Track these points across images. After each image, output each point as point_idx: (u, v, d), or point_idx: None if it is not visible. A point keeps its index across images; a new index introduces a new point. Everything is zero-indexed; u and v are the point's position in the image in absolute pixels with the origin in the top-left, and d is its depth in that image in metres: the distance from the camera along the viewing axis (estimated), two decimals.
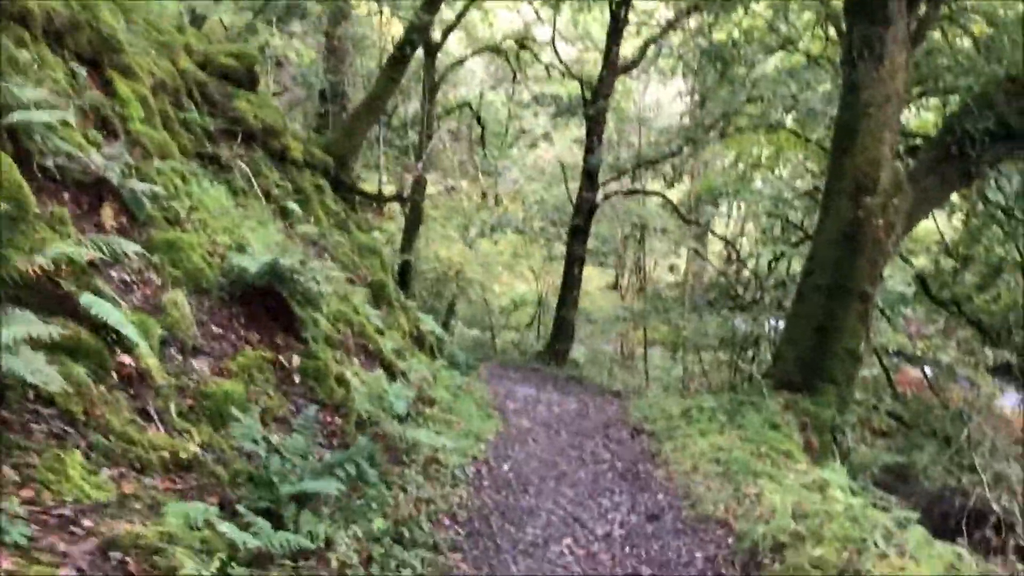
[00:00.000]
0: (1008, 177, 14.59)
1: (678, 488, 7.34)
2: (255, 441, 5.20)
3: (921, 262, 19.14)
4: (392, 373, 9.13)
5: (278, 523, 4.87)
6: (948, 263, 19.23)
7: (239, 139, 10.48)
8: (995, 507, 14.67)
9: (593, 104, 17.15)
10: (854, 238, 9.94)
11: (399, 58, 13.31)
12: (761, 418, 9.01)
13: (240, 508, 4.57)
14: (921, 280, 17.85)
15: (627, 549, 5.99)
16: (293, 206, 11.05)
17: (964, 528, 15.42)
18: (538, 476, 7.77)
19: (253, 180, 10.24)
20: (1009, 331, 20.15)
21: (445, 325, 24.83)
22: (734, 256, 16.86)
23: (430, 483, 6.83)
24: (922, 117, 18.84)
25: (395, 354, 9.79)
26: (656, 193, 18.13)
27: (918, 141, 15.04)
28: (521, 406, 11.69)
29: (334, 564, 4.51)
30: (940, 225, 18.23)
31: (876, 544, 4.77)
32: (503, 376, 16.03)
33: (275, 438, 5.80)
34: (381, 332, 10.08)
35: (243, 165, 10.23)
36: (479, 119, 24.31)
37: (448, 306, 25.68)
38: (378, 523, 5.15)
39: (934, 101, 17.80)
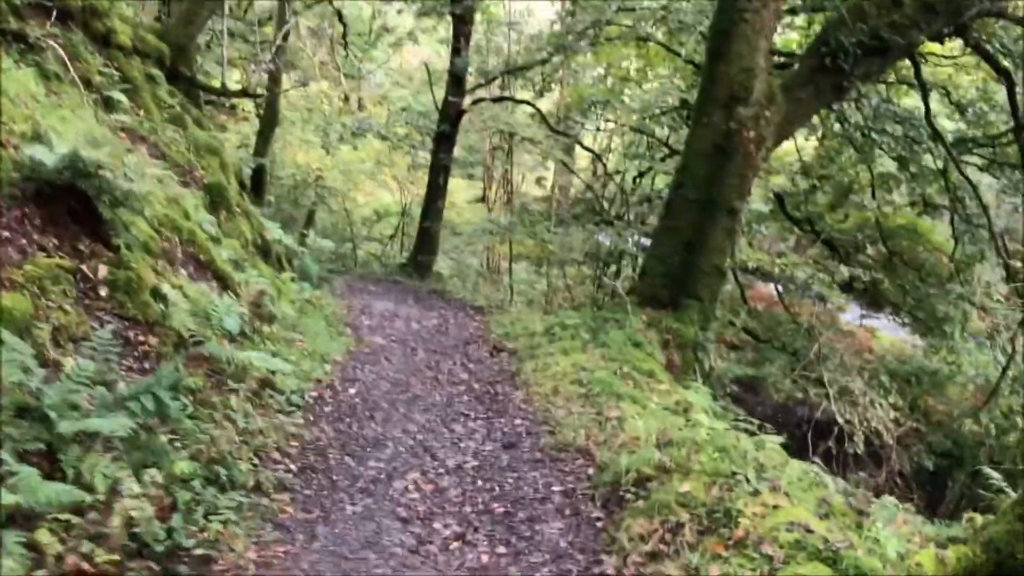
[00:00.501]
0: (867, 98, 14.54)
1: (537, 412, 6.78)
2: (26, 369, 4.22)
3: (779, 180, 19.24)
4: (226, 286, 8.13)
5: (54, 469, 3.97)
6: (802, 183, 19.41)
7: (53, 17, 8.95)
8: (839, 419, 15.03)
9: (460, 2, 15.99)
10: (725, 150, 9.48)
11: None
12: (624, 335, 8.55)
13: (3, 453, 3.65)
14: (779, 198, 17.90)
15: (479, 483, 5.37)
16: (118, 96, 9.65)
17: (809, 439, 15.84)
18: (387, 400, 7.05)
19: (69, 64, 8.79)
20: (857, 248, 20.68)
21: (303, 235, 23.58)
22: (601, 170, 16.32)
23: (260, 412, 6.00)
24: (787, 36, 18.58)
25: (232, 265, 8.76)
26: (525, 102, 17.29)
27: (782, 60, 14.76)
28: (377, 322, 10.89)
29: (117, 518, 3.64)
30: (797, 145, 18.26)
31: (748, 479, 4.29)
32: (362, 290, 15.13)
33: (69, 363, 4.82)
34: (217, 240, 8.99)
35: (56, 46, 8.75)
36: (340, 16, 22.59)
37: (307, 215, 24.34)
38: (182, 464, 4.29)
39: (799, 20, 17.58)
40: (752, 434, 7.02)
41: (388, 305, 12.59)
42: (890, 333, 23.76)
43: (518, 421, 6.61)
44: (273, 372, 6.54)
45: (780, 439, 6.27)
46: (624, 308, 9.18)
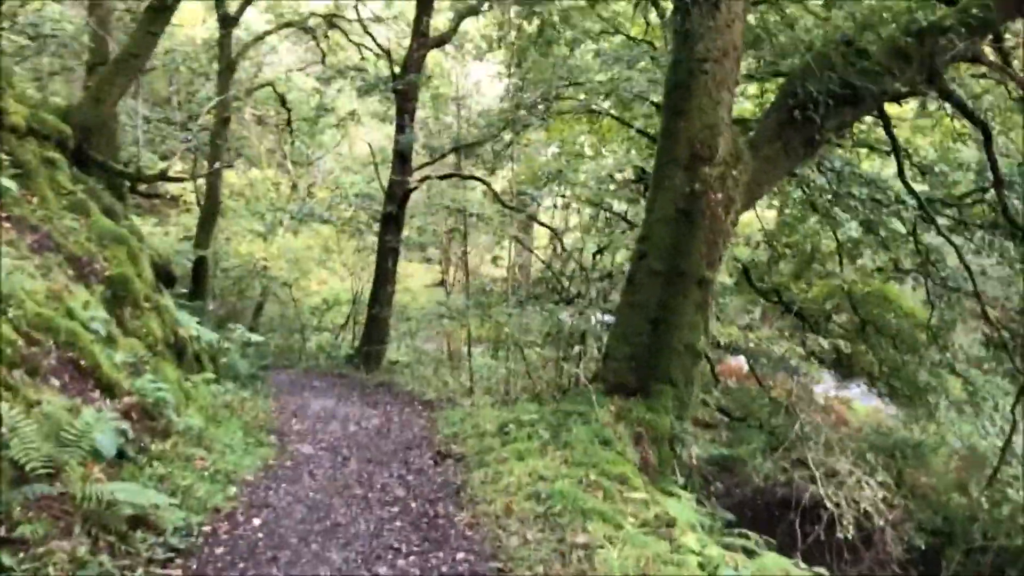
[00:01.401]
0: (830, 160, 13.69)
1: (486, 541, 5.33)
2: None
3: (741, 251, 18.25)
4: (113, 396, 6.67)
5: None
6: (763, 253, 18.50)
7: None
8: (828, 503, 13.57)
9: (402, 78, 15.00)
10: (690, 215, 8.32)
11: (158, 7, 10.66)
12: (590, 432, 7.18)
13: None
14: (744, 270, 16.92)
15: None
16: (5, 182, 8.32)
17: (797, 525, 14.32)
18: (299, 533, 5.56)
19: None
20: (827, 318, 19.56)
21: (252, 330, 22.03)
22: (559, 247, 15.18)
23: (122, 564, 4.51)
24: (740, 105, 17.82)
25: (127, 370, 7.31)
26: (475, 178, 16.19)
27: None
28: (309, 425, 9.41)
29: None
30: (757, 213, 17.38)
31: None
32: (304, 386, 13.63)
33: None
34: (110, 341, 7.56)
35: None
36: (284, 101, 21.58)
37: (256, 307, 22.84)
38: None
39: (752, 88, 16.93)
40: (750, 552, 5.64)
41: (327, 404, 11.11)
42: (864, 403, 22.66)
43: (461, 555, 5.15)
44: (148, 507, 5.06)
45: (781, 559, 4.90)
46: (588, 398, 7.83)
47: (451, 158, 17.95)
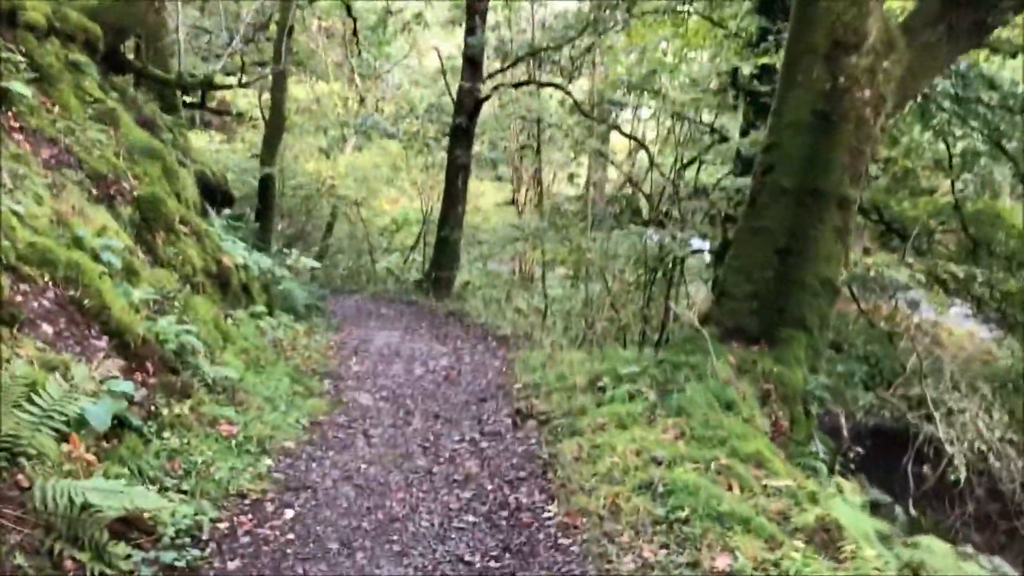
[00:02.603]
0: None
1: (588, 558, 3.80)
2: None
3: None
4: (124, 342, 5.30)
5: None
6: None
7: None
8: (947, 446, 11.75)
9: None
10: (829, 117, 6.43)
11: None
12: (707, 391, 5.55)
13: None
14: None
15: None
16: (19, 87, 6.91)
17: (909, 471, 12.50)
18: (342, 534, 4.12)
19: None
20: (931, 236, 17.30)
21: (321, 252, 20.78)
22: (646, 161, 13.27)
23: None
24: None
25: (146, 309, 5.93)
26: (552, 84, 14.25)
27: None
28: (370, 366, 8.00)
29: None
30: None
31: None
32: (370, 313, 12.28)
33: None
34: (130, 274, 6.18)
35: None
36: (349, 10, 19.76)
37: (326, 228, 21.54)
38: None
39: None
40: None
41: (392, 337, 9.70)
42: (957, 325, 20.48)
43: None
44: (131, 509, 3.67)
45: None
46: (700, 346, 6.18)
47: (524, 66, 16.04)
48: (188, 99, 24.65)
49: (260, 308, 8.30)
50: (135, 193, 7.38)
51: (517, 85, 13.76)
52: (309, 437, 5.56)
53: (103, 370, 4.54)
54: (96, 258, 5.76)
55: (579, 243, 11.23)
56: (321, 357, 7.86)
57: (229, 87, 10.97)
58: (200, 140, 20.74)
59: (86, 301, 5.26)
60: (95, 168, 7.18)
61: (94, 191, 7.04)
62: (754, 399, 5.79)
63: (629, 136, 14.03)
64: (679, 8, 15.98)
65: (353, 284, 16.49)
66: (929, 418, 11.81)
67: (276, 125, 17.65)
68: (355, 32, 20.78)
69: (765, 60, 13.61)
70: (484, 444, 5.53)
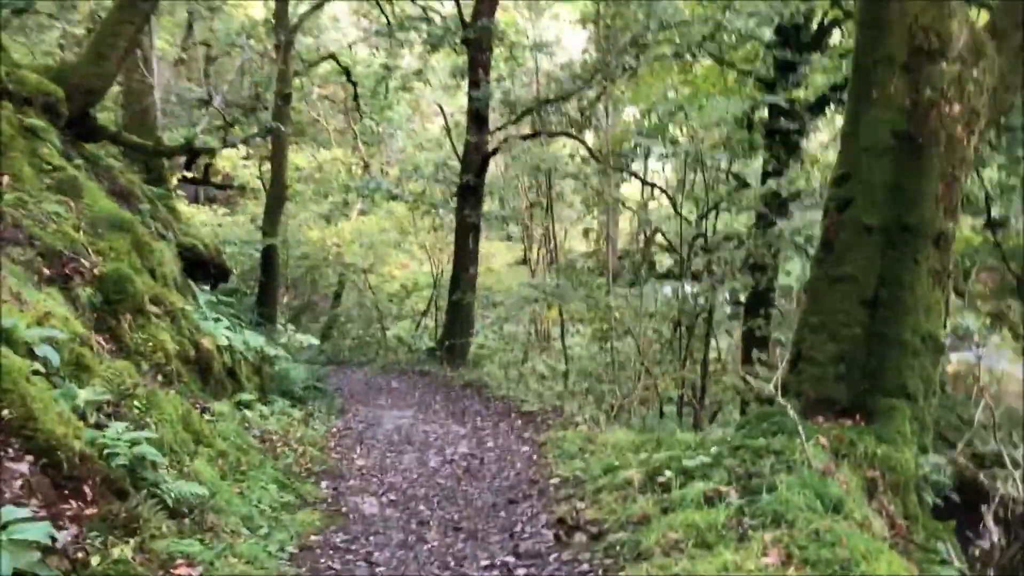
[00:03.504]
0: None
1: None
2: None
3: None
4: (54, 461, 4.00)
5: None
6: None
7: None
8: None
9: (472, 25, 12.10)
10: (914, 139, 5.20)
11: None
12: (803, 486, 4.19)
13: None
14: None
15: None
16: None
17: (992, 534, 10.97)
18: None
19: None
20: (967, 275, 15.98)
21: (331, 322, 19.57)
22: (671, 209, 12.04)
23: None
24: None
25: (96, 413, 4.65)
26: (565, 134, 13.17)
27: None
28: (376, 459, 6.66)
29: None
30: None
31: None
32: (380, 388, 10.98)
33: None
34: (83, 369, 4.92)
35: None
36: (348, 74, 18.90)
37: (334, 297, 20.37)
38: None
39: None
40: None
41: (403, 418, 8.38)
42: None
43: None
44: None
45: None
46: (780, 423, 4.85)
47: (530, 120, 15.01)
48: (189, 174, 23.72)
49: (248, 396, 7.02)
50: (97, 271, 6.16)
51: (526, 137, 12.66)
52: (295, 572, 4.22)
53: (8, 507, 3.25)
54: (30, 354, 4.51)
55: (606, 301, 9.95)
56: (319, 451, 6.53)
57: (211, 151, 9.85)
58: (203, 214, 19.79)
59: (5, 411, 3.99)
60: (49, 244, 5.98)
61: (46, 271, 5.83)
62: (860, 492, 4.43)
63: (650, 184, 12.88)
64: (687, 54, 15.04)
65: (362, 355, 15.23)
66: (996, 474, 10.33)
67: (277, 195, 16.67)
68: (356, 97, 19.93)
69: (788, 96, 12.55)
70: (521, 572, 4.17)
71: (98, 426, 4.54)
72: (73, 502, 3.87)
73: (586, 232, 17.91)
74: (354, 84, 19.39)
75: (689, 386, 8.59)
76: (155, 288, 6.90)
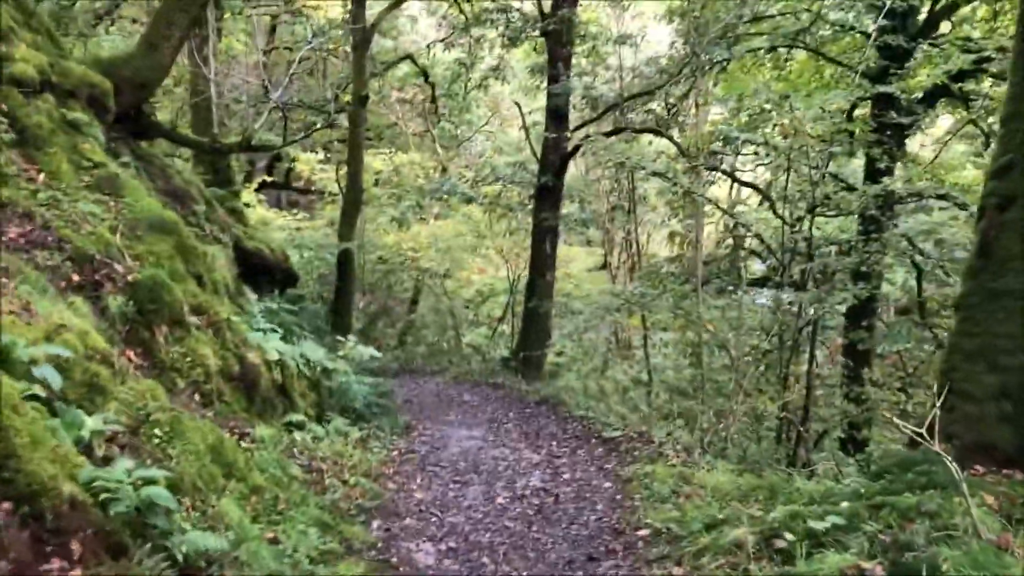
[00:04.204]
0: None
1: None
2: None
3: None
4: (35, 509, 3.28)
5: None
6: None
7: None
8: None
9: (552, 16, 11.21)
10: None
11: None
12: (972, 563, 3.15)
13: None
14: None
15: None
16: None
17: None
18: None
19: None
20: None
21: (406, 330, 18.98)
22: (770, 210, 10.86)
23: None
24: None
25: (106, 444, 3.96)
26: (652, 130, 12.13)
27: None
28: (438, 492, 5.83)
29: None
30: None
31: None
32: (450, 401, 10.20)
33: None
34: (98, 391, 4.25)
35: None
36: (426, 76, 18.29)
37: (411, 302, 19.77)
38: None
39: None
40: None
41: (472, 439, 7.55)
42: None
43: None
44: None
45: None
46: (933, 476, 3.79)
47: (612, 119, 14.02)
48: (270, 179, 23.52)
49: (299, 416, 6.28)
50: (131, 277, 5.52)
51: (610, 133, 11.66)
52: None
53: None
54: (30, 375, 3.83)
55: (696, 312, 8.89)
56: (373, 482, 5.73)
57: (271, 148, 9.25)
58: (280, 219, 19.47)
59: None
60: (80, 248, 5.37)
61: (75, 277, 5.23)
62: None
63: (746, 184, 11.71)
64: (783, 45, 13.82)
65: (436, 364, 14.50)
66: None
67: (354, 198, 16.13)
68: (434, 99, 19.32)
69: (899, 87, 11.20)
70: None
71: (106, 460, 3.83)
72: (56, 561, 3.14)
73: (672, 236, 16.77)
74: (432, 85, 18.80)
75: (792, 409, 7.48)
76: (200, 296, 6.24)
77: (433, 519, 5.17)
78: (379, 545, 4.68)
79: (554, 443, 7.42)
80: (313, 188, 22.06)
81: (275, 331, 7.22)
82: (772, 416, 7.77)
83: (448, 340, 16.82)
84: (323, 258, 16.93)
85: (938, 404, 4.18)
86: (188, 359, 5.50)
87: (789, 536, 3.70)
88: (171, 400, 5.10)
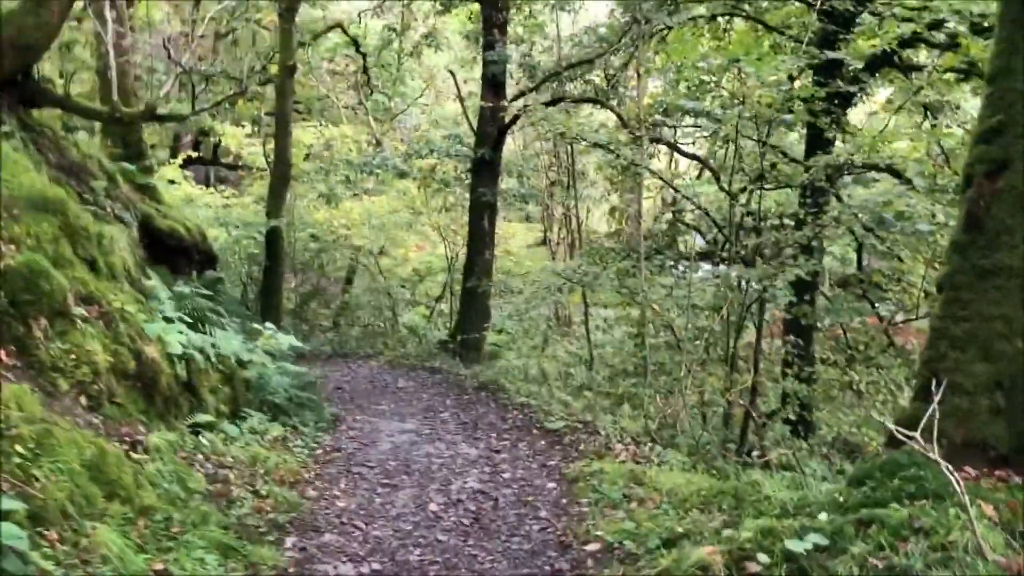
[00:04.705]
0: None
1: None
2: None
3: None
4: None
5: None
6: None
7: None
8: None
9: None
10: None
11: None
12: None
13: None
14: None
15: None
16: None
17: None
18: None
19: None
20: None
21: (339, 313, 18.07)
22: (715, 183, 10.31)
23: None
24: None
25: None
26: (593, 100, 11.48)
27: None
28: (365, 496, 5.16)
29: None
30: None
31: None
32: (383, 389, 9.51)
33: None
34: None
35: None
36: (357, 45, 17.29)
37: (345, 281, 18.86)
38: None
39: None
40: None
41: (405, 433, 6.88)
42: None
43: None
44: None
45: None
46: (921, 481, 3.29)
47: (549, 90, 13.34)
48: (195, 154, 22.16)
49: (207, 417, 5.52)
50: (2, 264, 4.66)
51: (549, 104, 10.99)
52: None
53: None
54: None
55: (641, 289, 8.34)
56: (290, 489, 5.02)
57: (178, 118, 8.30)
58: (207, 196, 18.33)
59: None
60: None
61: None
62: None
63: (691, 156, 11.15)
64: (724, 13, 13.33)
65: (369, 347, 13.72)
66: None
67: (281, 173, 15.20)
68: (365, 69, 18.34)
69: (849, 52, 10.79)
70: None
71: None
72: None
73: (612, 211, 16.25)
74: (363, 56, 17.81)
75: (739, 391, 7.00)
76: (91, 284, 5.40)
77: (356, 533, 4.50)
78: (291, 570, 3.99)
79: (493, 435, 6.81)
80: (241, 164, 20.91)
81: (184, 320, 6.41)
82: (718, 399, 7.28)
83: (384, 321, 16.04)
84: (252, 237, 15.95)
85: (929, 398, 3.68)
86: (72, 356, 4.70)
87: (763, 558, 3.15)
88: (51, 405, 4.32)
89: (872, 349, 11.90)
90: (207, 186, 19.92)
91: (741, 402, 6.49)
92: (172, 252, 9.22)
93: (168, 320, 5.97)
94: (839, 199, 10.51)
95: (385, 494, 5.22)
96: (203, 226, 10.19)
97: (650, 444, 6.04)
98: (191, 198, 17.52)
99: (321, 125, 18.33)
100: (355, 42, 17.31)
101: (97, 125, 11.05)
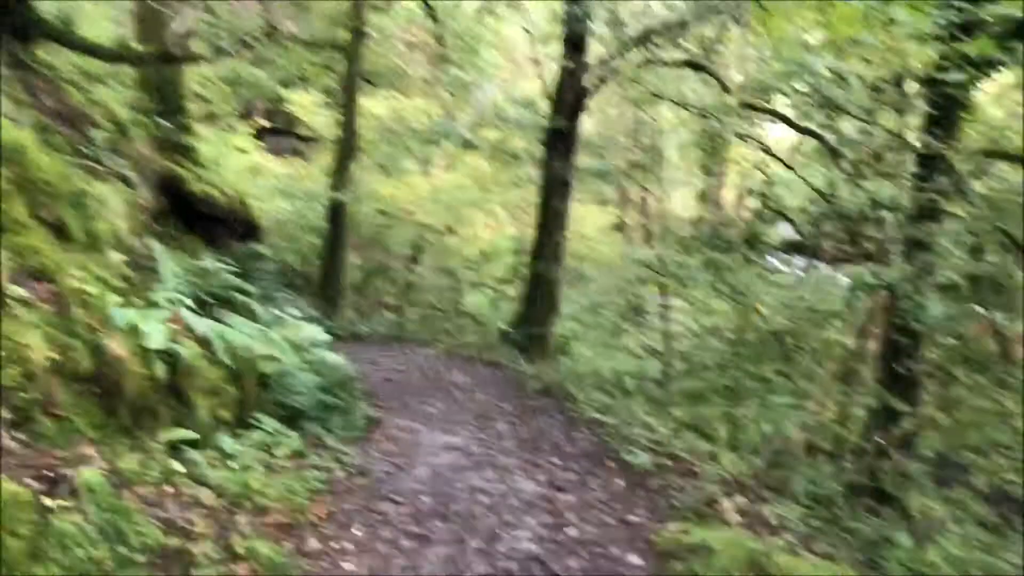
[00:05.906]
0: None
1: None
2: None
3: None
4: None
5: None
6: None
7: None
8: None
9: None
10: None
11: None
12: None
13: None
14: None
15: None
16: None
17: None
18: None
19: None
20: None
21: (404, 293, 16.80)
22: (840, 168, 8.48)
23: None
24: None
25: None
26: (691, 64, 9.64)
27: None
28: (383, 553, 3.71)
29: None
30: None
31: None
32: (436, 385, 8.11)
33: None
34: None
35: None
36: (434, 16, 15.83)
37: (410, 261, 17.51)
38: None
39: None
40: None
41: (450, 451, 5.44)
42: None
43: None
44: None
45: None
46: None
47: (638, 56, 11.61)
48: (268, 124, 21.04)
49: (187, 433, 4.16)
50: None
51: (641, 65, 9.29)
52: None
53: None
54: None
55: (747, 288, 6.66)
56: (281, 542, 3.62)
57: (196, 59, 6.96)
58: (277, 167, 17.34)
59: None
60: None
61: None
62: None
63: (808, 132, 9.24)
64: None
65: (428, 332, 12.35)
66: None
67: (347, 145, 14.07)
68: (440, 39, 16.90)
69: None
70: None
71: None
72: None
73: (702, 195, 14.40)
74: (435, 20, 16.35)
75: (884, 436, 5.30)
76: (49, 254, 4.09)
77: None
78: None
79: (557, 462, 5.28)
80: (316, 136, 19.84)
81: (199, 302, 5.10)
82: (848, 439, 5.57)
83: (446, 304, 14.66)
84: (315, 209, 14.79)
85: None
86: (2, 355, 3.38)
87: None
88: None
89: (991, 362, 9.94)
90: (283, 157, 18.98)
91: (887, 450, 4.80)
92: (206, 220, 8.01)
93: (153, 304, 4.63)
94: (963, 192, 8.58)
95: (410, 552, 3.77)
96: (244, 193, 8.94)
97: (761, 494, 4.43)
98: (258, 168, 16.52)
99: (391, 96, 17.01)
100: (428, 5, 15.86)
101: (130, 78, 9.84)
